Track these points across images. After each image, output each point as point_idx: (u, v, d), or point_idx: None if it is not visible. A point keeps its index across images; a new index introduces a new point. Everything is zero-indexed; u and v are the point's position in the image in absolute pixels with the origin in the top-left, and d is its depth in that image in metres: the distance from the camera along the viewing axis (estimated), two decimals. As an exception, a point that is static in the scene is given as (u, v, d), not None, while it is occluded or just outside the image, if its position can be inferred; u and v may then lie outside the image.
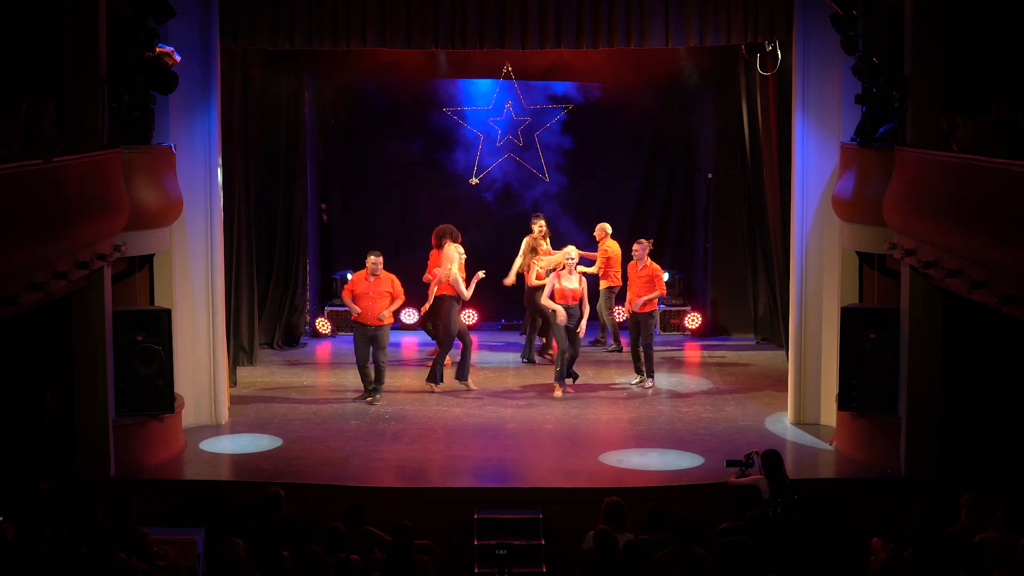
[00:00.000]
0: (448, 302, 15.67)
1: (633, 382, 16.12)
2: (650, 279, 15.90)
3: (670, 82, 18.63)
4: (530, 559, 11.71)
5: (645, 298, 15.84)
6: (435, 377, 15.85)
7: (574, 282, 15.44)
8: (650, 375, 16.06)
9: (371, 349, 15.25)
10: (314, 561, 9.74)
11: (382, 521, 10.76)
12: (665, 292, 16.27)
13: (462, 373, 15.90)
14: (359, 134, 19.16)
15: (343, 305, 18.75)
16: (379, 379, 15.35)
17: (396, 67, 18.13)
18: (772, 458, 11.42)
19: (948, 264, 11.28)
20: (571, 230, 18.73)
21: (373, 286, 15.24)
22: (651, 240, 16.59)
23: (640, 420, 14.76)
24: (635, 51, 15.57)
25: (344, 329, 18.79)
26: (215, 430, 14.36)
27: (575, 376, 15.90)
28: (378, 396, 15.30)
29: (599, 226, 17.49)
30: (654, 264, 16.11)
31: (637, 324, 15.98)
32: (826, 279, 14.40)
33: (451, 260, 15.73)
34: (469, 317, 18.16)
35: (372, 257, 15.35)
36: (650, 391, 15.89)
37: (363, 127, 19.08)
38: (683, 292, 19.24)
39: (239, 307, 16.57)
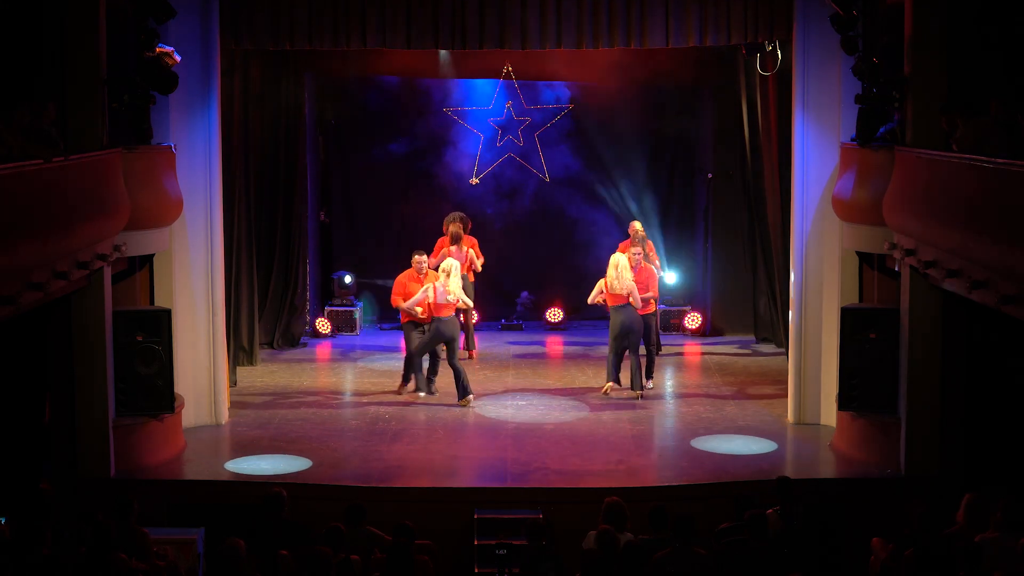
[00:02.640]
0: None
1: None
2: (645, 282, 15.81)
3: (670, 82, 18.61)
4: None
5: (641, 296, 15.69)
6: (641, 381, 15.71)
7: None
8: (649, 376, 16.03)
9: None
10: (320, 561, 9.76)
11: (382, 521, 10.76)
12: (657, 294, 16.16)
13: (636, 382, 15.63)
14: (359, 134, 19.16)
15: (343, 305, 18.84)
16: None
17: (396, 67, 18.13)
18: (784, 486, 10.99)
19: (948, 264, 11.27)
20: (570, 229, 18.74)
21: (423, 283, 15.47)
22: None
23: (640, 420, 14.76)
24: (635, 50, 15.56)
25: (344, 329, 18.80)
26: (214, 430, 14.36)
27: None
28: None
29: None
30: (648, 266, 16.05)
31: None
32: (826, 279, 14.39)
33: (623, 267, 15.33)
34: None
35: (423, 257, 15.64)
36: (649, 391, 15.90)
37: (363, 127, 19.07)
38: (683, 292, 19.23)
39: (239, 307, 16.56)
